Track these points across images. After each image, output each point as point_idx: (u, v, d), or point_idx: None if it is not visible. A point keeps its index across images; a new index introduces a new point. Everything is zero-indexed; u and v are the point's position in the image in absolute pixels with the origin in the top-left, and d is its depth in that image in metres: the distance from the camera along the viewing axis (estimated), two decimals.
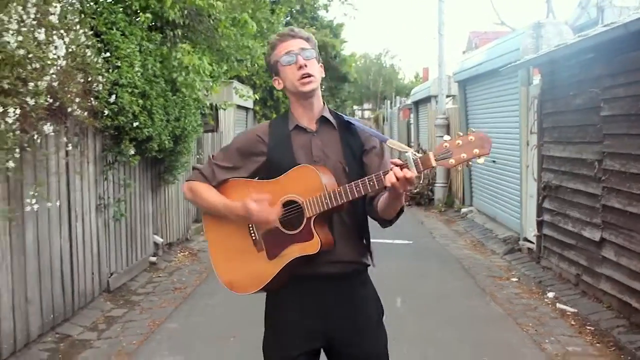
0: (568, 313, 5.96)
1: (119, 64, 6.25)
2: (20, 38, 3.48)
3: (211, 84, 8.38)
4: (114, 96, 5.99)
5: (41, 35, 3.76)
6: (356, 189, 2.28)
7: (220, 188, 2.57)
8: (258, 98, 13.46)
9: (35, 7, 3.87)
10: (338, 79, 26.32)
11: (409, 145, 20.79)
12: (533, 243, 8.25)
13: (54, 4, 4.08)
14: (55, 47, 4.12)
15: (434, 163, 2.17)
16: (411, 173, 2.16)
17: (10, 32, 3.44)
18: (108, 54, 5.95)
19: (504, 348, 5.09)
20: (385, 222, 2.47)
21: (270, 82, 17.56)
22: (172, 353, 5.14)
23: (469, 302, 6.44)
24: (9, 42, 3.40)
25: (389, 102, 34.41)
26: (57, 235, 5.73)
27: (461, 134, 2.15)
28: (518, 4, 60.16)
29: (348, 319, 2.49)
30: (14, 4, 3.57)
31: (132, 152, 6.76)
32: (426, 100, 18.20)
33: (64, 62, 4.26)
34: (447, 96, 15.16)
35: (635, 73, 5.20)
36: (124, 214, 7.10)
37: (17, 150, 3.85)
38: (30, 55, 3.63)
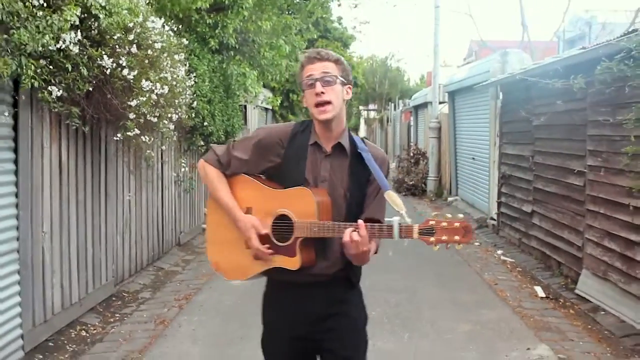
0: (507, 262, 8.58)
1: (196, 80, 8.86)
2: (174, 75, 6.11)
3: (256, 89, 11.07)
4: (195, 103, 8.60)
5: (181, 72, 6.42)
6: (337, 230, 2.42)
7: (230, 179, 2.66)
8: (281, 102, 16.08)
9: (169, 55, 6.48)
10: None
11: (408, 145, 23.22)
12: (495, 220, 10.86)
13: (180, 53, 6.70)
14: (178, 75, 6.73)
15: (415, 236, 2.33)
16: (362, 243, 2.37)
17: (166, 71, 6.06)
18: (193, 75, 8.55)
19: (456, 276, 7.75)
20: (351, 260, 2.54)
21: (287, 86, 20.32)
22: None
23: (439, 254, 8.98)
24: (167, 78, 6.01)
25: (393, 104, 36.90)
26: (156, 198, 8.36)
27: (450, 216, 2.33)
28: (502, 24, 65.09)
29: (331, 322, 2.59)
30: (165, 54, 6.18)
31: (201, 143, 9.40)
32: (424, 105, 20.63)
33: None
34: (441, 102, 17.61)
35: (550, 98, 7.73)
36: (193, 187, 9.74)
37: (168, 141, 6.53)
38: (176, 84, 6.25)
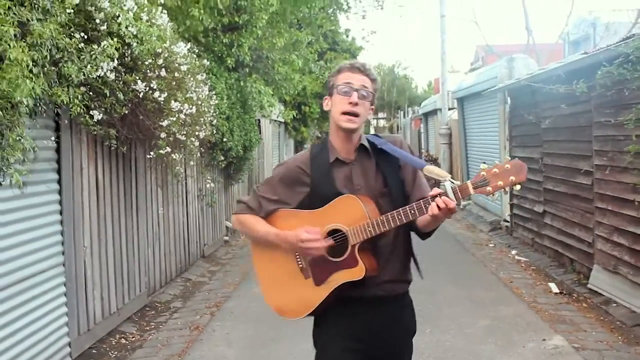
0: (522, 261, 8.88)
1: (216, 99, 9.24)
2: (198, 95, 6.51)
3: (272, 104, 11.48)
4: (215, 120, 8.97)
5: (205, 91, 6.81)
6: (398, 217, 2.38)
7: (268, 218, 2.67)
8: (294, 115, 16.50)
9: (192, 76, 6.87)
10: None
11: (420, 152, 23.54)
12: (508, 222, 11.16)
13: (202, 73, 7.09)
14: (202, 95, 7.12)
15: (472, 191, 2.28)
16: (453, 204, 2.27)
17: (192, 92, 6.44)
18: (213, 93, 8.94)
19: (473, 276, 8.06)
20: (425, 235, 2.62)
21: (298, 99, 20.66)
22: None
23: (456, 256, 9.41)
24: (192, 97, 6.39)
25: (402, 112, 37.27)
26: (181, 213, 8.73)
27: (498, 162, 2.29)
28: (507, 29, 66.15)
29: (388, 339, 2.62)
30: (189, 76, 6.57)
31: (222, 158, 9.77)
32: (433, 112, 21.02)
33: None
34: (451, 109, 17.96)
35: (556, 101, 8.05)
36: (215, 202, 10.11)
37: (195, 158, 6.92)
38: (201, 103, 6.63)
